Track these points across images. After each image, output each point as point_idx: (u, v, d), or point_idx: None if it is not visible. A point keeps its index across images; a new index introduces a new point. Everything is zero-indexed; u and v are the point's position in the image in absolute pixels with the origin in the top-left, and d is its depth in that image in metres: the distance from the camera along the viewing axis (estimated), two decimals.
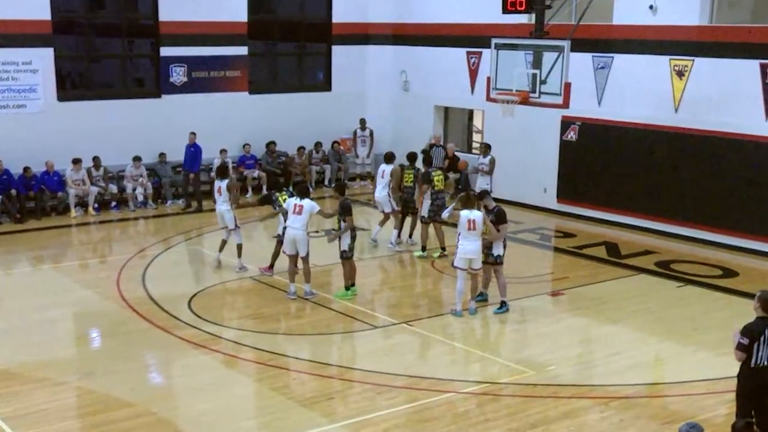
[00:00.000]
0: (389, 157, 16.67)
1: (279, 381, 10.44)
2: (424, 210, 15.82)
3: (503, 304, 12.95)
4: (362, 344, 11.89)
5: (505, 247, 13.00)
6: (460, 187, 20.08)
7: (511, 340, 12.41)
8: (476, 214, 12.41)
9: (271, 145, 21.63)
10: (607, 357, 11.48)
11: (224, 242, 15.13)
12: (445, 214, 14.08)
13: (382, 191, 16.39)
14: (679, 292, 14.25)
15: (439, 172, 16.25)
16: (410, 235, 16.73)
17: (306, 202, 13.14)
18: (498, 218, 12.77)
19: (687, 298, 13.94)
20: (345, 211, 13.20)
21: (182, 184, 20.11)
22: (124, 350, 11.46)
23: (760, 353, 8.18)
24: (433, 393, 10.10)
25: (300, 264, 13.45)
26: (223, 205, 14.96)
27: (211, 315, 12.64)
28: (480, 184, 18.73)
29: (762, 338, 8.17)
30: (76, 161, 18.86)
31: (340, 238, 13.36)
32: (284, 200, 14.08)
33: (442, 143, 20.38)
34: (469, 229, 12.36)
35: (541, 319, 13.06)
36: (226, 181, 15.07)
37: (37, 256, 16.20)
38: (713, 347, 11.65)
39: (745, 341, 8.18)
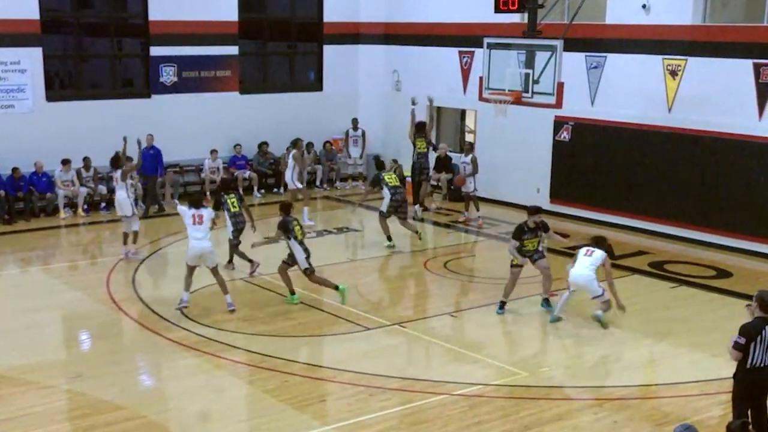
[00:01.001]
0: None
1: (270, 383, 10.35)
2: (384, 206, 16.57)
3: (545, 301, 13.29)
4: (355, 346, 11.79)
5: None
6: (452, 187, 20.04)
7: (504, 341, 12.34)
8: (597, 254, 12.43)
9: (263, 145, 21.54)
10: (600, 358, 11.45)
11: (126, 235, 15.43)
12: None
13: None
14: (672, 292, 14.21)
15: (391, 173, 17.20)
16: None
17: (205, 211, 12.78)
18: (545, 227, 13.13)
19: (681, 298, 13.90)
20: (280, 227, 13.04)
21: (144, 190, 19.32)
22: (114, 353, 11.36)
23: (756, 353, 8.14)
24: (427, 395, 10.03)
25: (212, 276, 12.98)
26: (121, 193, 15.24)
27: (203, 317, 12.53)
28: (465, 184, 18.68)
29: (759, 338, 8.12)
30: (65, 162, 18.74)
31: (291, 250, 13.03)
32: (232, 203, 14.49)
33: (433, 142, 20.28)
34: (586, 255, 12.47)
35: (535, 320, 12.99)
36: (119, 172, 15.39)
37: (25, 258, 16.06)
38: (707, 348, 11.60)
39: (742, 341, 8.13)
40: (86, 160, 19.22)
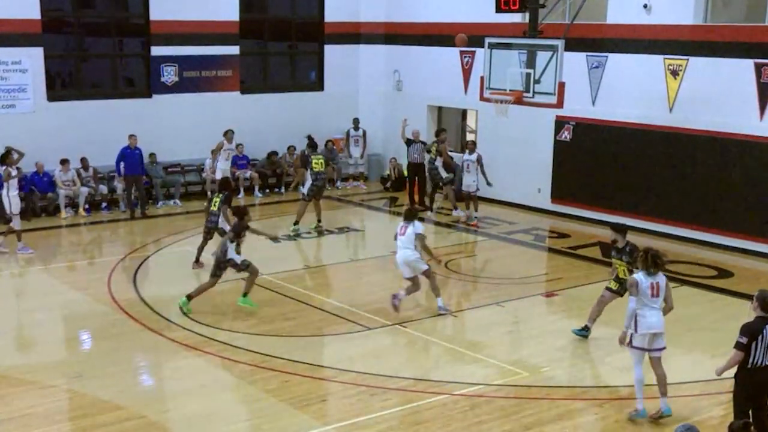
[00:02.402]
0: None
1: (271, 383, 10.34)
2: (305, 189, 17.15)
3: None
4: (355, 346, 11.78)
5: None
6: (453, 187, 20.02)
7: (504, 341, 12.32)
8: (660, 278, 9.88)
9: (272, 155, 21.52)
10: (601, 358, 11.41)
11: (10, 231, 15.70)
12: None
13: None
14: (673, 292, 14.04)
15: (320, 155, 17.47)
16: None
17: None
18: (631, 255, 11.17)
19: (682, 298, 13.78)
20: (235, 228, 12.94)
21: (126, 192, 19.11)
22: (115, 352, 11.35)
23: (757, 353, 8.13)
24: (427, 395, 10.02)
25: None
26: (11, 190, 15.61)
27: (203, 317, 12.52)
28: (466, 181, 18.60)
29: (760, 337, 8.12)
30: (64, 162, 18.71)
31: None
32: (214, 203, 14.70)
33: (421, 139, 20.28)
34: (653, 296, 9.69)
35: (535, 320, 12.99)
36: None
37: (26, 258, 16.04)
38: (708, 348, 11.59)
39: (744, 340, 8.14)
40: (83, 160, 19.21)
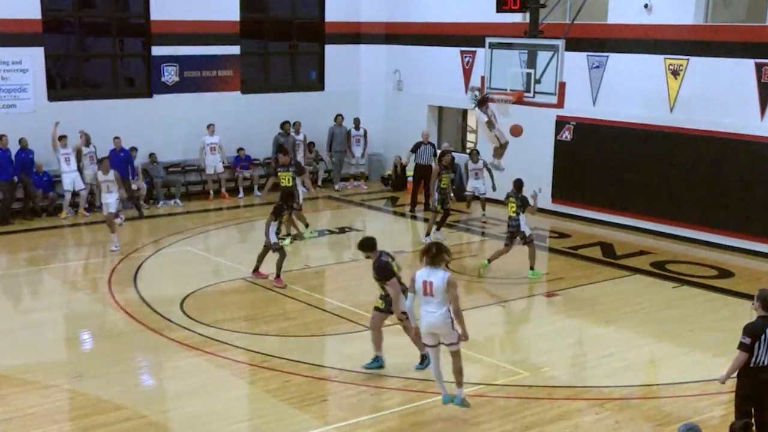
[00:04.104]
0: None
1: (272, 383, 10.33)
2: (300, 198, 16.61)
3: (423, 359, 10.63)
4: (356, 346, 11.76)
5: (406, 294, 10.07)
6: (454, 187, 20.00)
7: (505, 341, 12.32)
8: (437, 275, 9.05)
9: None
10: (602, 358, 11.41)
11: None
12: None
13: None
14: (674, 292, 14.18)
15: (288, 171, 16.29)
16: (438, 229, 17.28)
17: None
18: (381, 274, 10.29)
19: (682, 298, 13.88)
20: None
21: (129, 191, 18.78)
22: (115, 352, 11.34)
23: (760, 352, 8.13)
24: (428, 395, 10.00)
25: None
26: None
27: (204, 317, 12.52)
28: (474, 184, 18.71)
29: (763, 337, 8.12)
30: (62, 138, 18.49)
31: None
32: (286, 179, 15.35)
33: (430, 140, 20.29)
34: (425, 293, 9.15)
35: (536, 320, 12.99)
36: None
37: (27, 258, 16.06)
38: (709, 348, 11.59)
39: (747, 340, 8.13)
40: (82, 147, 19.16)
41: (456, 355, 9.28)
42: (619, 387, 10.41)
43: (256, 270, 14.27)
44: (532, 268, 14.70)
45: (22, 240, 17.11)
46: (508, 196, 14.90)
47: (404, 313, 10.05)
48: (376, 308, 10.65)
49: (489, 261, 14.98)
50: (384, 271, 10.25)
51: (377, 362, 10.68)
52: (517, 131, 15.68)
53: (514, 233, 14.71)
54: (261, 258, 14.20)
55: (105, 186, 15.87)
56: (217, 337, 11.75)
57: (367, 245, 10.47)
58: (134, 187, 19.19)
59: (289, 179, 16.17)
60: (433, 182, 17.17)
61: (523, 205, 14.52)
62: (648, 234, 17.65)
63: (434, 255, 9.09)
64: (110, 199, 15.86)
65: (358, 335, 12.05)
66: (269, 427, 9.30)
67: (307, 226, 17.13)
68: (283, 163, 16.45)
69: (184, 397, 10.03)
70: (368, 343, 11.74)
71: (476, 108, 16.42)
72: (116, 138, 18.83)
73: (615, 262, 15.84)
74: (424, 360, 10.51)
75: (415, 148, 19.89)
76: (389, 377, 10.48)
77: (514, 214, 14.60)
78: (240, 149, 21.07)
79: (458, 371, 9.33)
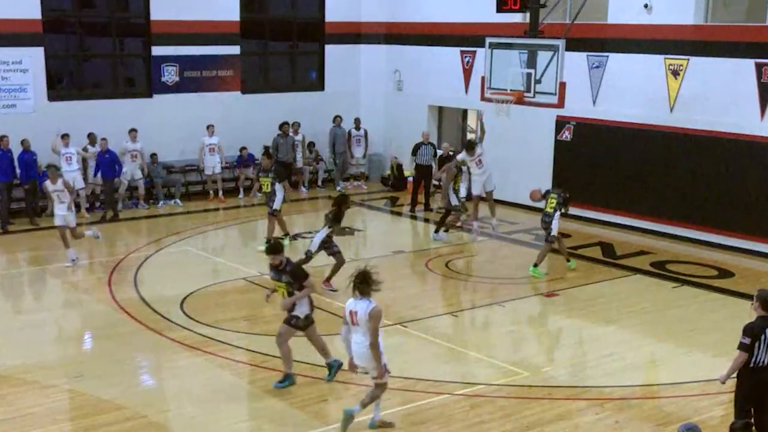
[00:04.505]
0: None
1: (272, 383, 10.32)
2: (278, 203, 16.05)
3: (331, 368, 10.35)
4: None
5: (312, 304, 10.28)
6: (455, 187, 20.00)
7: (505, 341, 12.32)
8: (362, 305, 8.86)
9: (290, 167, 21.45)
10: (601, 358, 11.41)
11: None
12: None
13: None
14: (674, 292, 14.19)
15: (267, 176, 16.09)
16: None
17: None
18: (294, 276, 10.03)
19: (682, 298, 13.88)
20: None
21: (108, 193, 18.89)
22: (115, 352, 11.34)
23: (760, 352, 8.13)
24: (428, 395, 10.02)
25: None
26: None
27: (204, 317, 12.52)
28: (476, 180, 18.56)
29: (763, 337, 8.12)
30: (64, 136, 18.49)
31: None
32: None
33: (430, 141, 20.28)
34: (351, 323, 8.97)
35: (536, 320, 12.99)
36: None
37: (27, 258, 16.06)
38: (708, 348, 11.60)
39: (747, 341, 8.14)
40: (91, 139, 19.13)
41: (378, 387, 8.99)
42: (619, 387, 10.42)
43: (327, 280, 13.84)
44: (535, 266, 14.71)
45: (23, 240, 17.11)
46: (548, 192, 15.05)
47: (301, 317, 10.00)
48: (291, 323, 10.13)
49: (536, 265, 14.89)
50: (299, 269, 10.06)
51: (288, 380, 10.14)
52: (534, 196, 15.55)
53: (547, 228, 14.91)
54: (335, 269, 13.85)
55: (56, 196, 14.96)
56: (217, 337, 11.75)
57: (278, 248, 10.07)
58: (120, 188, 19.13)
59: (267, 184, 16.02)
60: (449, 183, 16.98)
61: (564, 203, 14.69)
62: (648, 234, 17.65)
63: (359, 284, 8.82)
64: (62, 211, 14.90)
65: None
66: (269, 427, 9.31)
67: (286, 235, 16.53)
68: (264, 168, 16.34)
69: (183, 397, 10.03)
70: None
71: (466, 155, 16.98)
72: (103, 139, 18.68)
73: (615, 262, 15.84)
74: (331, 371, 10.23)
75: (416, 149, 19.87)
76: (389, 377, 10.44)
77: (551, 210, 14.75)
78: (243, 148, 21.07)
79: (375, 398, 9.07)
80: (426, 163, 19.68)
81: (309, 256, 13.72)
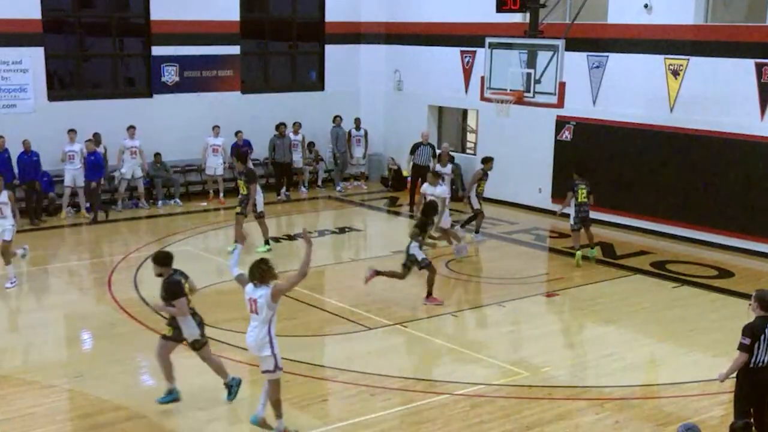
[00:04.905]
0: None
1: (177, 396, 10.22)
2: (260, 205, 15.79)
3: (230, 388, 9.83)
4: (356, 346, 11.78)
5: (201, 325, 9.81)
6: (454, 187, 20.01)
7: (505, 341, 12.32)
8: (262, 292, 8.74)
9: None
10: (602, 358, 11.41)
11: None
12: None
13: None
14: (674, 292, 14.19)
15: (240, 179, 15.77)
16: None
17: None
18: (167, 292, 9.50)
19: (682, 298, 13.88)
20: None
21: (90, 194, 18.59)
22: (115, 352, 11.34)
23: (760, 352, 8.13)
24: (428, 395, 10.02)
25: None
26: None
27: (204, 317, 12.46)
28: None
29: (762, 337, 8.11)
30: (71, 131, 18.46)
31: None
32: None
33: (429, 141, 20.29)
34: (250, 311, 8.90)
35: (536, 320, 12.99)
36: None
37: (27, 258, 16.02)
38: (708, 348, 11.60)
39: (747, 341, 8.13)
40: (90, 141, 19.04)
41: (272, 385, 8.75)
42: (619, 387, 10.42)
43: (429, 295, 13.41)
44: (592, 248, 15.68)
45: (23, 240, 17.06)
46: (576, 183, 15.41)
47: (197, 340, 9.51)
48: (164, 336, 9.67)
49: (579, 249, 15.49)
50: (173, 287, 9.37)
51: (172, 395, 9.64)
52: (567, 203, 15.81)
53: (585, 218, 15.40)
54: (430, 282, 13.33)
55: None
56: (217, 336, 11.74)
57: (162, 260, 9.54)
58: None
59: (243, 187, 15.84)
60: (472, 185, 16.87)
61: (592, 191, 15.30)
62: (648, 234, 17.65)
63: (262, 274, 8.68)
64: (6, 225, 13.96)
65: (358, 335, 12.07)
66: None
67: (243, 239, 15.69)
68: (238, 170, 16.16)
69: (184, 397, 10.01)
70: (368, 343, 11.79)
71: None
72: (88, 140, 18.47)
73: (615, 262, 15.84)
74: (231, 390, 9.72)
75: (414, 149, 19.89)
76: (389, 377, 10.48)
77: (585, 200, 15.29)
78: (238, 132, 20.98)
79: (274, 403, 8.81)
80: (424, 163, 19.69)
81: (420, 265, 13.29)
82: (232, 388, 9.75)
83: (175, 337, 9.61)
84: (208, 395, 10.01)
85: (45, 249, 16.51)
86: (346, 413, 9.56)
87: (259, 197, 15.86)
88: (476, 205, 16.92)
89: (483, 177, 16.88)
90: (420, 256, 13.08)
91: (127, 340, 11.77)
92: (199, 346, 9.64)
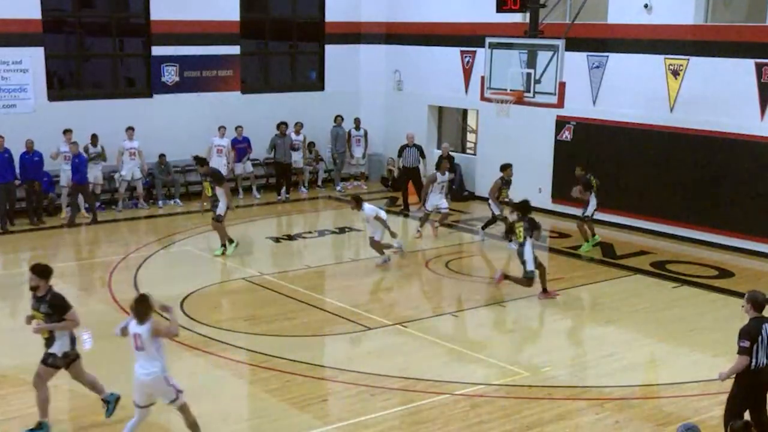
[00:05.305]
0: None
1: (272, 383, 10.33)
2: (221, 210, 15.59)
3: (108, 404, 9.47)
4: (355, 346, 11.80)
5: (73, 339, 9.38)
6: (454, 187, 20.04)
7: (505, 341, 12.32)
8: (142, 329, 8.58)
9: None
10: (602, 358, 11.41)
11: None
12: None
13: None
14: (674, 292, 14.19)
15: (206, 180, 15.64)
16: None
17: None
18: (54, 308, 9.06)
19: (682, 298, 13.88)
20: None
21: (71, 198, 18.39)
22: (115, 352, 11.31)
23: (759, 354, 8.12)
24: (428, 395, 10.02)
25: None
26: None
27: (204, 317, 12.52)
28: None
29: (760, 339, 8.11)
30: (67, 131, 18.35)
31: None
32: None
33: (415, 143, 20.28)
34: (135, 347, 8.64)
35: (536, 320, 12.98)
36: None
37: (27, 258, 16.04)
38: (708, 348, 11.59)
39: (747, 344, 8.12)
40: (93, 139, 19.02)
41: (183, 410, 8.66)
42: (619, 387, 10.42)
43: (544, 290, 13.58)
44: (587, 240, 16.32)
45: (23, 240, 17.11)
46: (588, 176, 15.90)
47: (58, 355, 8.96)
48: (48, 363, 9.06)
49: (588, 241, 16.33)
50: (62, 300, 8.95)
51: (41, 430, 9.02)
52: (583, 194, 16.36)
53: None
54: (543, 277, 13.60)
55: None
56: (217, 337, 11.75)
57: (38, 270, 9.03)
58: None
59: (208, 189, 15.69)
60: (494, 193, 16.86)
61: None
62: (648, 234, 17.65)
63: (140, 314, 8.50)
64: None
65: (358, 335, 12.07)
66: (270, 427, 9.31)
67: (231, 242, 15.81)
68: (201, 173, 16.03)
69: (184, 397, 10.01)
70: (368, 343, 11.79)
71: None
72: (73, 143, 18.25)
73: (615, 262, 15.84)
74: (108, 407, 9.37)
75: (401, 151, 19.96)
76: (389, 377, 10.48)
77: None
78: (238, 127, 20.96)
79: (193, 425, 8.69)
80: (411, 165, 19.79)
81: (531, 276, 13.34)
82: (110, 404, 9.39)
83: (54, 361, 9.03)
84: (207, 395, 10.01)
85: (45, 249, 16.51)
86: (346, 413, 9.56)
87: (222, 203, 15.59)
88: (496, 212, 16.97)
89: (503, 185, 16.85)
90: (531, 264, 13.30)
91: (127, 340, 11.72)
92: (69, 361, 9.18)
